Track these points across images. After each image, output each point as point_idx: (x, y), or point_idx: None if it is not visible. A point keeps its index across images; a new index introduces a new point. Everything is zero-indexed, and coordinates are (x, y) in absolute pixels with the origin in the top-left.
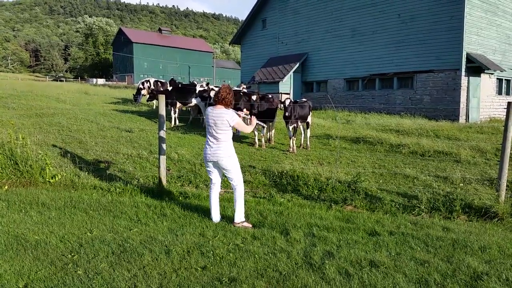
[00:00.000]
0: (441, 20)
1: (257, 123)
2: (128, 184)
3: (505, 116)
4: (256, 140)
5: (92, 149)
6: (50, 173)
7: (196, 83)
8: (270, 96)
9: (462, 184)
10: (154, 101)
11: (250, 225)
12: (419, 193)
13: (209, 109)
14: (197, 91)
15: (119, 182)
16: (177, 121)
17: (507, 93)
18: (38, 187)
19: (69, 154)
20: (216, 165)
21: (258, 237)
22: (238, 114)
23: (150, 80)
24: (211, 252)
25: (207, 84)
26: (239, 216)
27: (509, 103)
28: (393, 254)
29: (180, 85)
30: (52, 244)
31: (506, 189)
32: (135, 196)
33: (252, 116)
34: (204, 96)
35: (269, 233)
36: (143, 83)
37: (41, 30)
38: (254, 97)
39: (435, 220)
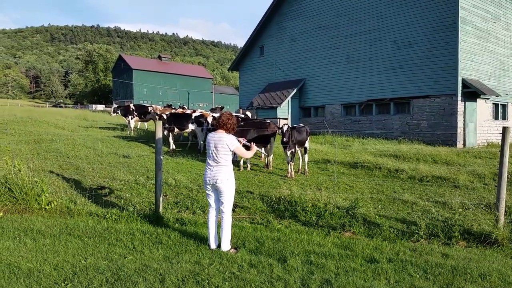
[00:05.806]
0: (436, 46)
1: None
2: (124, 211)
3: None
4: (241, 163)
5: (89, 175)
6: (46, 199)
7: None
8: (268, 121)
9: (461, 210)
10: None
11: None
12: (418, 219)
13: (210, 134)
14: (193, 117)
15: (115, 208)
16: (173, 145)
17: (504, 118)
18: (33, 214)
19: (66, 181)
20: (215, 188)
21: (255, 265)
22: (238, 141)
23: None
24: (207, 281)
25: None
26: (226, 244)
27: (504, 128)
28: (392, 282)
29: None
30: (45, 272)
31: (505, 214)
32: (131, 223)
33: (252, 143)
34: (200, 121)
35: (266, 261)
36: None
37: (41, 57)
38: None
39: (434, 247)
